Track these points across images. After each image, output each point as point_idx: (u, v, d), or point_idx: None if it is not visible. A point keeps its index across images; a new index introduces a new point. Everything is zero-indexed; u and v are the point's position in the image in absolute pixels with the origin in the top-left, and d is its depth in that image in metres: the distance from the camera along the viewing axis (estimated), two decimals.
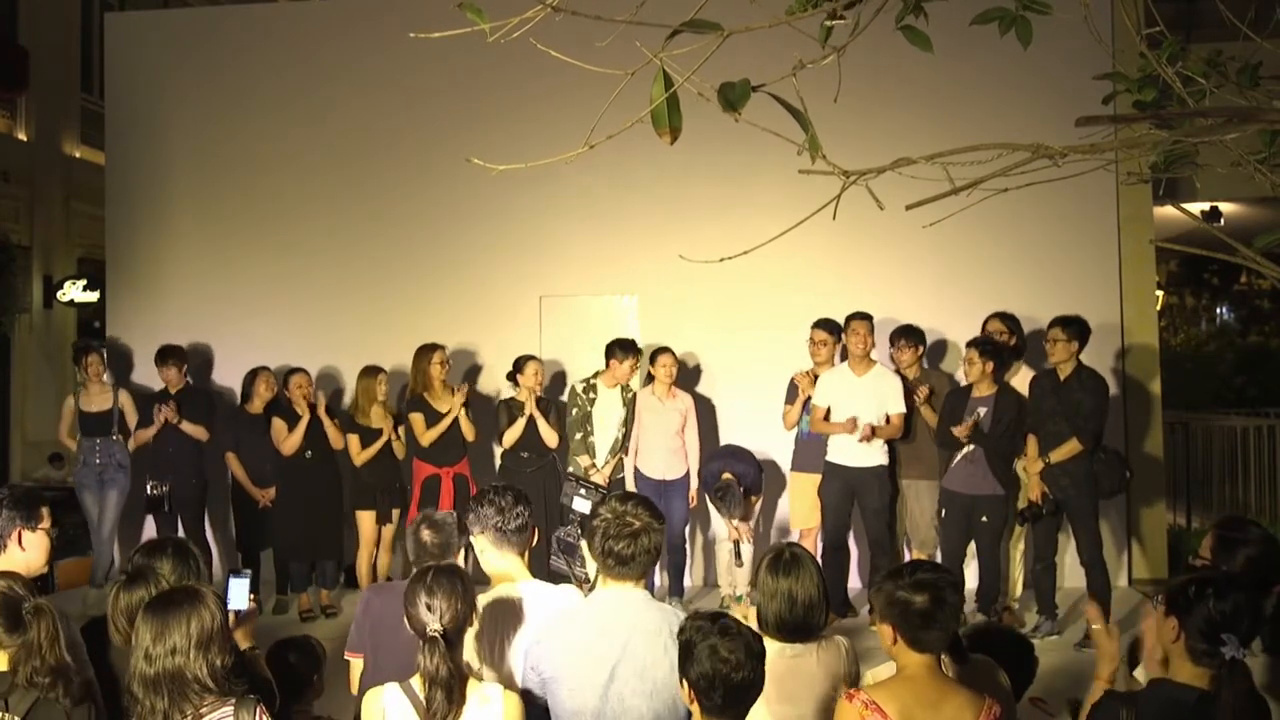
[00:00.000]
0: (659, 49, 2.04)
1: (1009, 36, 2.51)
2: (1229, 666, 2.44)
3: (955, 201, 2.62)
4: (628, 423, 7.01)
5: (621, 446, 7.01)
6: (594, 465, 6.89)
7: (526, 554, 3.27)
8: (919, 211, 2.61)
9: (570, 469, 6.91)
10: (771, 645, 3.00)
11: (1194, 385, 13.68)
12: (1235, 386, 13.88)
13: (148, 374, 8.05)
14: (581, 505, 3.71)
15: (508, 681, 2.99)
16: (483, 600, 3.12)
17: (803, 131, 2.23)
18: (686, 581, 7.31)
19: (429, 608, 2.69)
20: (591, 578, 3.31)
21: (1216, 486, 9.23)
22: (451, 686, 2.62)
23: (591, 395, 7.01)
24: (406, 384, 7.24)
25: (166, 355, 7.55)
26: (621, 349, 6.97)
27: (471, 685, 2.74)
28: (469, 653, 3.08)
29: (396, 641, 3.12)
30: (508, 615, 3.13)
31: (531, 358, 7.06)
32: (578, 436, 6.95)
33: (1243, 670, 2.43)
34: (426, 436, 6.94)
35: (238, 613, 3.01)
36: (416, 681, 2.71)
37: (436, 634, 2.66)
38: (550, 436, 6.93)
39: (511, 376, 7.09)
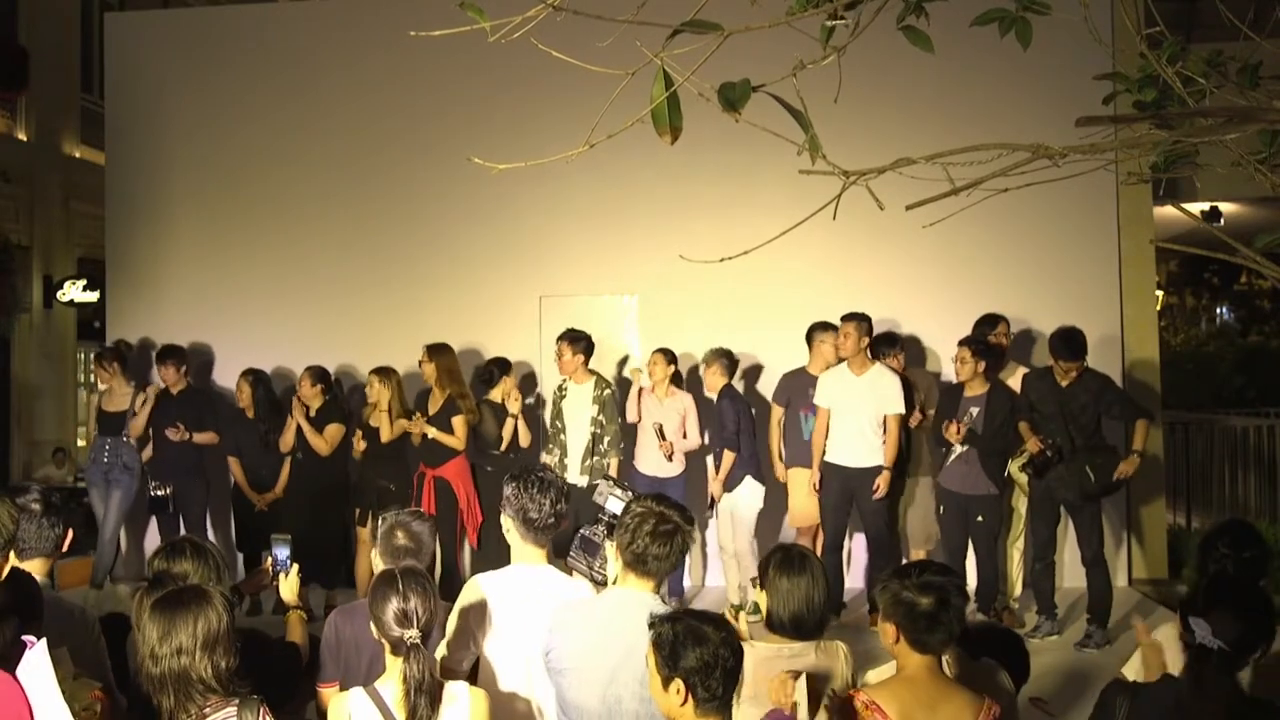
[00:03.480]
0: (659, 49, 2.04)
1: (1009, 37, 2.51)
2: (1197, 651, 2.47)
3: (955, 202, 2.62)
4: (601, 422, 6.96)
5: (594, 449, 6.94)
6: (560, 464, 6.93)
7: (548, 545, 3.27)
8: (919, 211, 2.61)
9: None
10: (769, 646, 3.02)
11: (1194, 385, 13.67)
12: (1235, 386, 13.87)
13: (144, 374, 8.06)
14: (615, 505, 3.69)
15: (507, 655, 3.04)
16: (495, 576, 3.19)
17: (803, 131, 2.23)
18: (685, 582, 7.32)
19: (405, 614, 2.67)
20: (610, 581, 3.30)
21: (1216, 486, 9.22)
22: (433, 692, 2.62)
23: (562, 391, 7.07)
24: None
25: (166, 355, 7.56)
26: (559, 340, 7.03)
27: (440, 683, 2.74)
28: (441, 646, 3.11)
29: (361, 661, 3.15)
30: (515, 595, 3.15)
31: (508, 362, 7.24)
32: (550, 432, 7.06)
33: (1212, 658, 2.44)
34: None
35: (284, 571, 3.39)
36: (384, 686, 2.71)
37: (415, 640, 2.65)
38: (525, 437, 7.09)
39: (487, 379, 7.16)
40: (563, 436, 7.01)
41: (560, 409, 7.04)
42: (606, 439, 6.96)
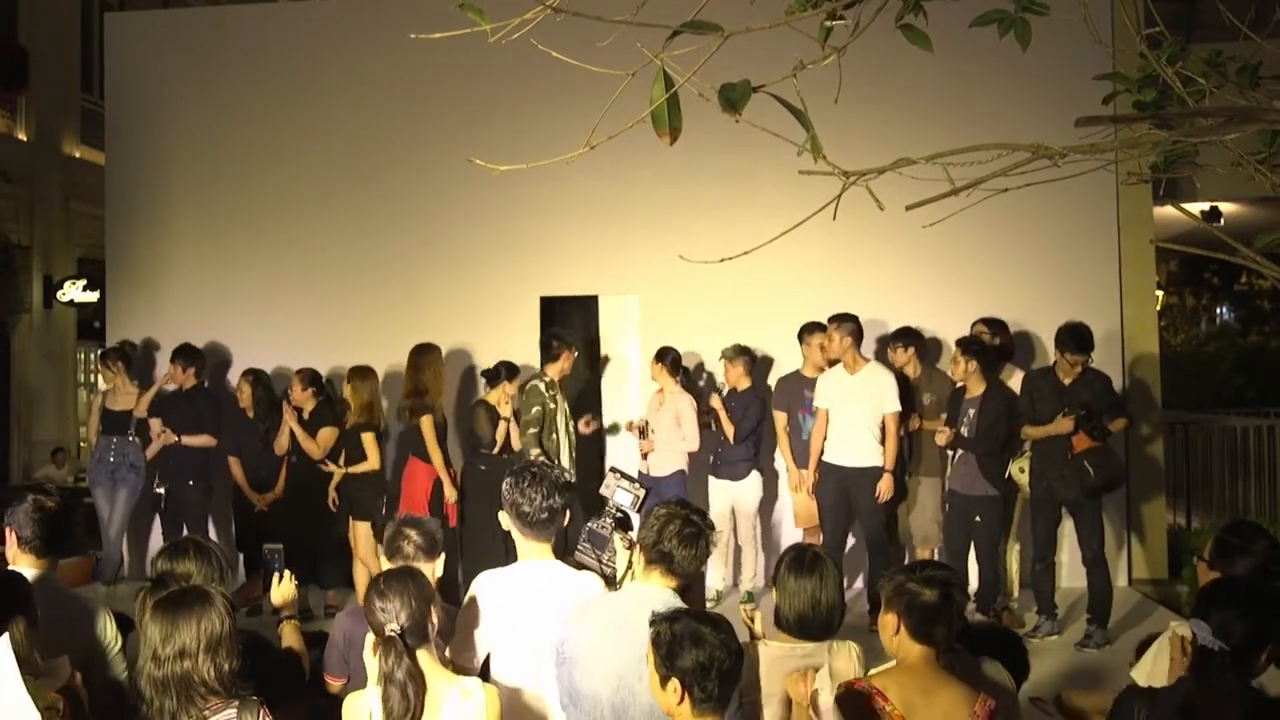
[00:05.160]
0: (659, 50, 2.04)
1: (1009, 37, 2.51)
2: (1200, 652, 2.49)
3: (955, 202, 2.62)
4: (570, 420, 7.05)
5: (574, 456, 7.03)
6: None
7: (553, 540, 3.28)
8: (919, 212, 2.61)
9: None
10: (782, 645, 3.03)
11: (1194, 385, 13.67)
12: (1235, 386, 13.87)
13: (144, 374, 8.08)
14: (623, 498, 3.70)
15: (516, 651, 3.05)
16: (500, 574, 3.21)
17: (803, 131, 2.23)
18: None
19: (383, 610, 2.72)
20: (620, 574, 3.32)
21: (1216, 486, 9.22)
22: (406, 686, 2.62)
23: (553, 393, 6.91)
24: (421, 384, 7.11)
25: (175, 354, 7.58)
26: (564, 344, 7.00)
27: (451, 679, 2.77)
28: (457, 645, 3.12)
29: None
30: (521, 591, 3.17)
31: (516, 368, 7.16)
32: (532, 432, 6.76)
33: (1214, 658, 2.46)
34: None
35: (270, 579, 3.39)
36: None
37: (393, 634, 2.68)
38: (516, 439, 7.06)
39: (492, 379, 7.11)
40: (554, 440, 6.94)
41: (552, 411, 6.92)
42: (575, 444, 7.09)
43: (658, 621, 2.46)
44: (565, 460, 6.92)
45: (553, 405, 6.89)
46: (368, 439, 6.87)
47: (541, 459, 6.79)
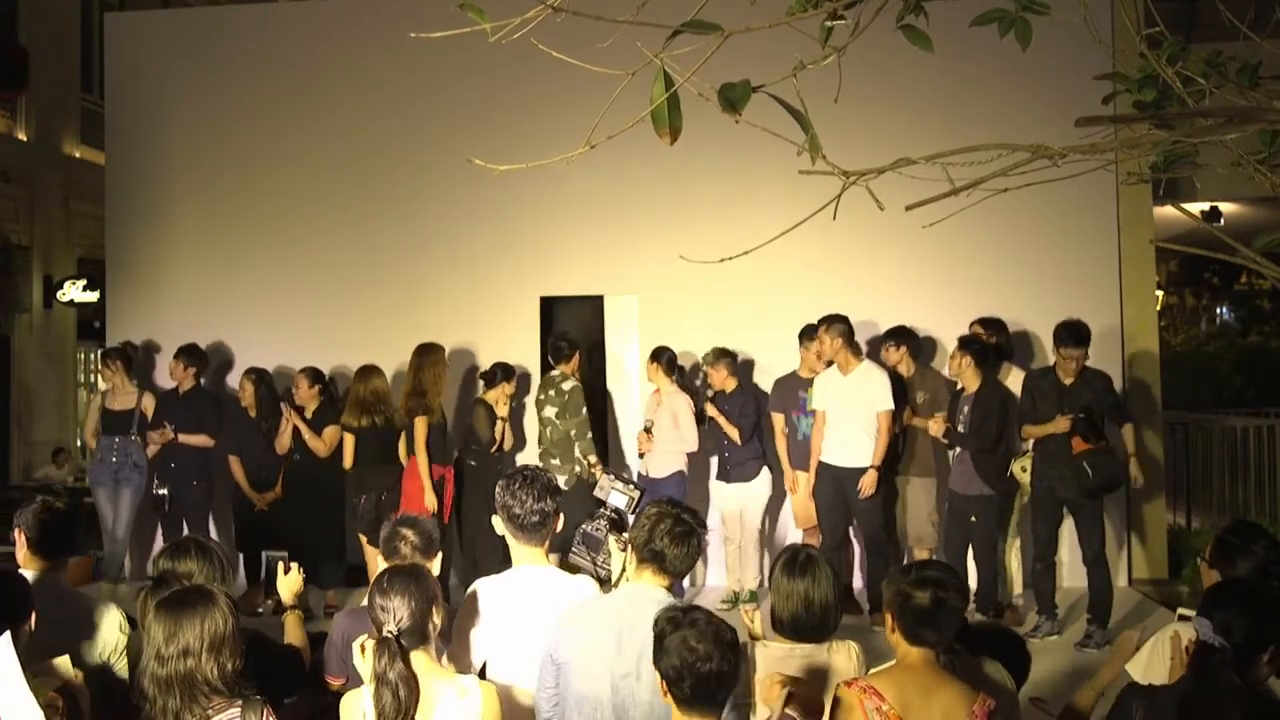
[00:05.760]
0: (659, 49, 2.04)
1: (1009, 37, 2.51)
2: (1200, 649, 2.49)
3: (955, 202, 2.62)
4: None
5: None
6: (598, 462, 7.03)
7: (547, 543, 3.28)
8: (919, 212, 2.61)
9: (578, 469, 6.97)
10: (781, 645, 3.04)
11: (1194, 385, 13.68)
12: (1235, 386, 13.89)
13: (144, 374, 8.09)
14: (618, 500, 3.71)
15: (512, 656, 3.04)
16: (495, 580, 3.21)
17: (803, 132, 2.23)
18: (685, 582, 7.32)
19: (383, 609, 2.71)
20: (615, 576, 3.32)
21: (1216, 486, 9.22)
22: (398, 688, 2.62)
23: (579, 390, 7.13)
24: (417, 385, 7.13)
25: (180, 354, 7.58)
26: (568, 343, 7.19)
27: (448, 677, 2.76)
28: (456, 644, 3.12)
29: None
30: (517, 596, 3.17)
31: (512, 369, 7.27)
32: (589, 439, 7.05)
33: (1215, 656, 2.46)
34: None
35: (273, 582, 3.41)
36: None
37: (390, 635, 2.67)
38: (509, 439, 7.17)
39: (489, 379, 7.18)
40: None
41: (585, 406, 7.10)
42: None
43: (661, 612, 2.51)
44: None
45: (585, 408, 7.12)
46: (346, 439, 6.94)
47: (598, 467, 6.91)
